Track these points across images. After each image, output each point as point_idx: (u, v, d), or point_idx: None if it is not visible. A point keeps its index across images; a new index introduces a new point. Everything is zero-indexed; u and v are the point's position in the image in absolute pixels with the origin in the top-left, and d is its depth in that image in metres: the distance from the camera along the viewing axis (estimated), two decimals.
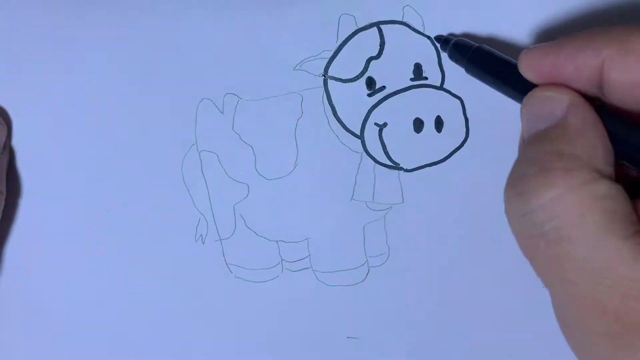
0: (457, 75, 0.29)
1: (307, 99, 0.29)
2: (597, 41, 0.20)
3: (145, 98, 0.29)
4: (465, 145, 0.29)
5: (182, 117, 0.29)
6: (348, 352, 0.30)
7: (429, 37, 0.29)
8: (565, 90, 0.21)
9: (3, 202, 0.29)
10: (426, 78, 0.29)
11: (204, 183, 0.29)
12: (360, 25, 0.29)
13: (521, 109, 0.22)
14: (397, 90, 0.29)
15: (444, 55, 0.29)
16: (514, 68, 0.23)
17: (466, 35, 0.29)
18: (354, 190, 0.29)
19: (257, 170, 0.29)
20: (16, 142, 0.30)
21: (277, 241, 0.30)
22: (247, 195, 0.29)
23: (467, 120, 0.29)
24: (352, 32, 0.29)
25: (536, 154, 0.20)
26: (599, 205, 0.18)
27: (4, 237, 0.30)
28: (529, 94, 0.22)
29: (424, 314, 0.29)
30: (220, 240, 0.30)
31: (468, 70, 0.26)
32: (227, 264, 0.30)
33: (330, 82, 0.29)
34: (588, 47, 0.20)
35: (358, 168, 0.29)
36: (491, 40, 0.28)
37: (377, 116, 0.29)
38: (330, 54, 0.29)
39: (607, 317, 0.18)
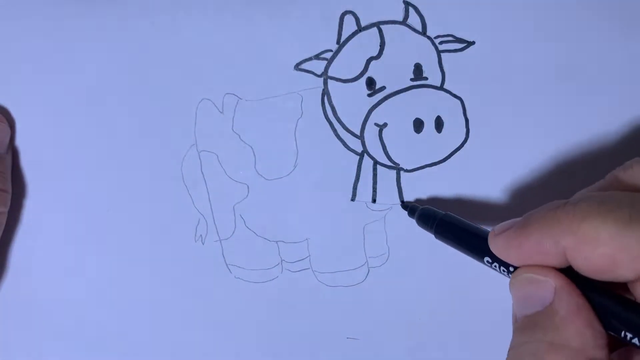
0: (457, 76, 0.29)
1: (307, 99, 0.29)
2: (553, 232, 0.20)
3: (146, 98, 0.29)
4: (465, 145, 0.29)
5: (182, 117, 0.29)
6: (348, 352, 0.30)
7: (429, 38, 0.29)
8: (550, 272, 0.21)
9: (9, 201, 0.29)
10: (426, 78, 0.29)
11: (203, 183, 0.29)
12: (361, 25, 0.29)
13: (509, 286, 0.22)
14: (397, 91, 0.29)
15: (444, 56, 0.29)
16: (481, 239, 0.24)
17: (463, 36, 0.29)
18: (354, 191, 0.29)
19: (257, 170, 0.29)
20: (18, 142, 0.30)
21: (277, 242, 0.30)
22: (247, 195, 0.29)
23: (467, 120, 0.29)
24: (353, 33, 0.29)
25: (529, 343, 0.20)
26: None
27: (9, 236, 0.30)
28: (514, 274, 0.22)
29: (424, 314, 0.29)
30: (220, 240, 0.30)
31: (437, 237, 0.27)
32: (226, 264, 0.30)
33: (330, 82, 0.29)
34: (546, 239, 0.20)
35: (358, 168, 0.29)
36: (491, 40, 0.28)
37: (377, 116, 0.29)
38: (331, 54, 0.29)
39: None
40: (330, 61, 0.29)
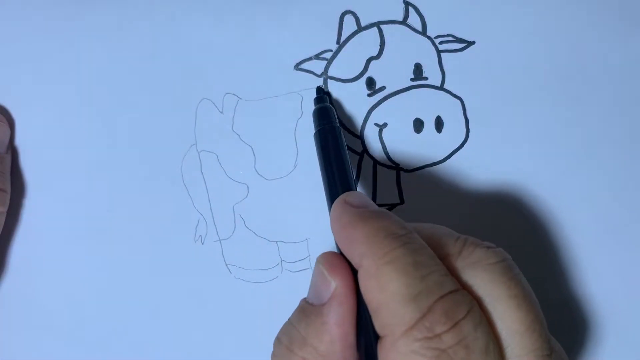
0: (458, 76, 0.29)
1: (307, 99, 0.29)
2: (362, 251, 0.20)
3: (146, 98, 0.29)
4: (465, 145, 0.29)
5: (182, 117, 0.29)
6: None
7: (429, 38, 0.29)
8: (339, 274, 0.21)
9: (8, 201, 0.29)
10: (426, 78, 0.29)
11: (203, 183, 0.29)
12: (361, 25, 0.29)
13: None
14: (397, 91, 0.29)
15: (444, 56, 0.29)
16: (336, 186, 0.24)
17: (463, 36, 0.29)
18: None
19: (256, 170, 0.29)
20: (18, 142, 0.30)
21: (276, 242, 0.29)
22: (247, 195, 0.29)
23: (467, 120, 0.29)
24: (353, 32, 0.29)
25: (293, 329, 0.22)
26: None
27: (8, 236, 0.30)
28: (318, 257, 0.22)
29: None
30: (220, 240, 0.30)
31: (315, 140, 0.27)
32: (226, 264, 0.30)
33: (330, 82, 0.29)
34: (356, 252, 0.21)
35: (358, 168, 0.29)
36: (491, 40, 0.28)
37: (377, 116, 0.29)
38: (331, 54, 0.29)
39: None
40: (330, 61, 0.29)
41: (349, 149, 0.29)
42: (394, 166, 0.29)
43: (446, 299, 0.19)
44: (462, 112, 0.29)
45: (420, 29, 0.29)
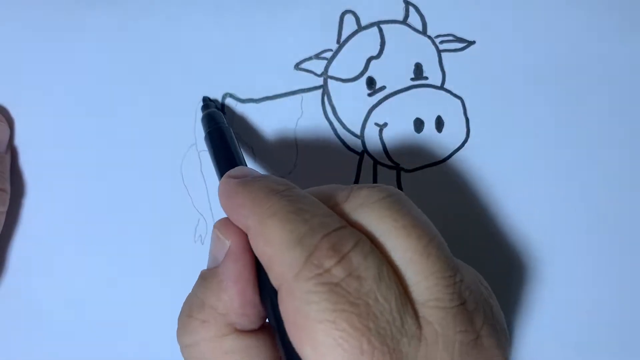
0: (458, 75, 0.29)
1: (307, 99, 0.29)
2: (248, 209, 0.21)
3: (145, 98, 0.29)
4: (465, 145, 0.29)
5: (182, 117, 0.29)
6: None
7: (429, 37, 0.29)
8: (231, 232, 0.21)
9: (8, 201, 0.29)
10: (427, 78, 0.29)
11: (203, 183, 0.29)
12: (361, 25, 0.29)
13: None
14: (397, 90, 0.29)
15: (445, 55, 0.29)
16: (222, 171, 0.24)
17: (463, 36, 0.29)
18: None
19: (257, 170, 0.29)
20: (17, 141, 0.30)
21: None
22: None
23: (467, 120, 0.29)
24: (353, 32, 0.29)
25: (192, 297, 0.22)
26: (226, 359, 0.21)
27: (8, 236, 0.30)
28: (215, 224, 0.22)
29: None
30: None
31: (205, 140, 0.27)
32: None
33: (330, 82, 0.29)
34: (241, 209, 0.21)
35: (358, 168, 0.29)
36: (492, 40, 0.28)
37: (377, 116, 0.29)
38: (331, 53, 0.29)
39: None
40: (330, 61, 0.29)
41: (349, 149, 0.29)
42: (394, 166, 0.29)
43: (332, 235, 0.19)
44: (462, 111, 0.29)
45: (420, 28, 0.29)
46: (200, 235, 0.30)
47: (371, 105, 0.29)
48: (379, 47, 0.29)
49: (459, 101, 0.28)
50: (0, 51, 0.30)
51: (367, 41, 0.29)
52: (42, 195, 0.30)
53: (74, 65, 0.30)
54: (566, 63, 0.28)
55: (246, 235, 0.21)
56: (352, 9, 0.29)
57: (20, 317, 0.30)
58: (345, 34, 0.29)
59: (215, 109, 0.28)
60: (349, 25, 0.29)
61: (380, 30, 0.29)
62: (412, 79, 0.29)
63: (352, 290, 0.18)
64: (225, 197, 0.22)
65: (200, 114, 0.29)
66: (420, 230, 0.20)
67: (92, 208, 0.30)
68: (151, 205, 0.30)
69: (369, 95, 0.29)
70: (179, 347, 0.22)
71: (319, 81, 0.29)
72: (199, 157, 0.29)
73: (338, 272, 0.18)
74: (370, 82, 0.29)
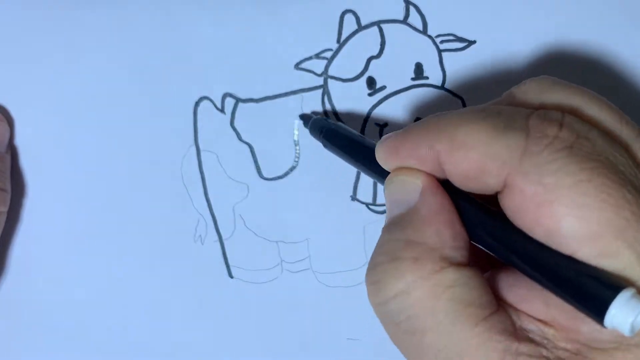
0: (459, 75, 0.29)
1: (307, 99, 0.29)
2: (430, 137, 0.20)
3: (145, 97, 0.29)
4: None
5: (181, 116, 0.29)
6: (348, 353, 0.30)
7: (429, 37, 0.29)
8: (419, 174, 0.21)
9: (9, 201, 0.29)
10: (427, 78, 0.29)
11: (203, 183, 0.29)
12: (361, 24, 0.29)
13: (384, 191, 0.22)
14: (397, 90, 0.29)
15: (445, 55, 0.29)
16: (369, 149, 0.23)
17: (464, 35, 0.28)
18: (354, 191, 0.29)
19: (256, 170, 0.29)
20: (18, 141, 0.30)
21: (276, 242, 0.29)
22: (247, 195, 0.29)
23: None
24: (353, 32, 0.29)
25: (388, 243, 0.20)
26: (448, 295, 0.18)
27: (8, 236, 0.30)
28: (387, 178, 0.22)
29: None
30: (220, 240, 0.30)
31: (326, 147, 0.27)
32: (226, 264, 0.30)
33: (330, 82, 0.29)
34: (423, 143, 0.20)
35: None
36: (492, 40, 0.28)
37: (377, 116, 0.29)
38: (331, 53, 0.29)
39: None
40: (330, 60, 0.29)
41: None
42: None
43: (535, 114, 0.19)
44: None
45: (421, 28, 0.29)
46: (200, 236, 0.30)
47: (371, 105, 0.29)
48: (379, 46, 0.29)
49: (459, 101, 0.28)
50: (0, 51, 0.30)
51: (368, 41, 0.29)
52: (43, 195, 0.30)
53: (74, 64, 0.30)
54: (566, 63, 0.28)
55: (433, 176, 0.20)
56: (352, 9, 0.29)
57: (20, 317, 0.30)
58: (345, 33, 0.29)
59: (318, 118, 0.28)
60: (349, 24, 0.29)
61: (381, 30, 0.29)
62: (412, 79, 0.29)
63: (589, 150, 0.18)
64: (395, 150, 0.21)
65: (199, 115, 0.29)
66: (605, 100, 0.21)
67: (92, 208, 0.30)
68: (151, 205, 0.30)
69: (369, 95, 0.29)
70: (372, 309, 0.21)
71: (319, 81, 0.29)
72: (199, 157, 0.29)
73: (567, 135, 0.18)
74: (371, 82, 0.29)
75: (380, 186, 0.29)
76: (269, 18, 0.29)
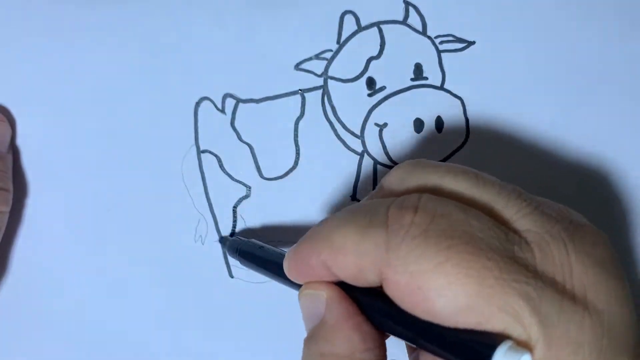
0: (458, 75, 0.29)
1: (307, 99, 0.29)
2: (315, 246, 0.21)
3: (146, 98, 0.29)
4: (465, 145, 0.29)
5: (182, 117, 0.29)
6: None
7: (429, 37, 0.29)
8: (323, 285, 0.21)
9: (10, 201, 0.29)
10: (426, 78, 0.29)
11: (203, 183, 0.29)
12: (361, 25, 0.29)
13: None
14: (397, 90, 0.29)
15: (445, 55, 0.29)
16: (281, 267, 0.24)
17: (463, 36, 0.29)
18: (354, 191, 0.29)
19: (257, 170, 0.29)
20: (19, 141, 0.30)
21: (276, 242, 0.29)
22: (247, 195, 0.29)
23: (467, 120, 0.29)
24: (353, 32, 0.29)
25: (306, 358, 0.21)
26: None
27: (10, 236, 0.30)
28: (299, 293, 0.22)
29: None
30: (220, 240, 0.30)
31: (243, 264, 0.27)
32: (226, 264, 0.30)
33: (330, 82, 0.29)
34: (312, 254, 0.21)
35: (358, 168, 0.29)
36: (492, 40, 0.28)
37: (377, 116, 0.29)
38: (331, 54, 0.29)
39: None
40: (330, 61, 0.29)
41: (349, 149, 0.29)
42: (394, 166, 0.29)
43: (394, 203, 0.20)
44: (462, 112, 0.29)
45: (420, 28, 0.29)
46: (201, 236, 0.30)
47: (371, 106, 0.29)
48: (379, 47, 0.29)
49: (458, 101, 0.28)
50: (1, 51, 0.30)
51: (367, 41, 0.29)
52: (44, 195, 0.30)
53: (75, 65, 0.30)
54: (566, 63, 0.28)
55: (335, 284, 0.21)
56: (352, 10, 0.29)
57: (22, 317, 0.30)
58: (345, 34, 0.29)
59: (234, 239, 0.29)
60: (349, 25, 0.29)
61: (380, 31, 0.29)
62: (412, 79, 0.29)
63: (445, 227, 0.18)
64: (293, 265, 0.22)
65: (200, 115, 0.29)
66: (460, 168, 0.21)
67: (92, 208, 0.30)
68: (152, 206, 0.30)
69: (369, 95, 0.29)
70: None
71: (319, 81, 0.29)
72: (199, 157, 0.29)
73: (421, 219, 0.19)
74: (370, 83, 0.29)
75: None
76: (270, 19, 0.29)
